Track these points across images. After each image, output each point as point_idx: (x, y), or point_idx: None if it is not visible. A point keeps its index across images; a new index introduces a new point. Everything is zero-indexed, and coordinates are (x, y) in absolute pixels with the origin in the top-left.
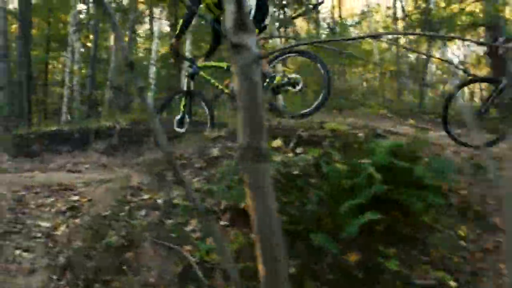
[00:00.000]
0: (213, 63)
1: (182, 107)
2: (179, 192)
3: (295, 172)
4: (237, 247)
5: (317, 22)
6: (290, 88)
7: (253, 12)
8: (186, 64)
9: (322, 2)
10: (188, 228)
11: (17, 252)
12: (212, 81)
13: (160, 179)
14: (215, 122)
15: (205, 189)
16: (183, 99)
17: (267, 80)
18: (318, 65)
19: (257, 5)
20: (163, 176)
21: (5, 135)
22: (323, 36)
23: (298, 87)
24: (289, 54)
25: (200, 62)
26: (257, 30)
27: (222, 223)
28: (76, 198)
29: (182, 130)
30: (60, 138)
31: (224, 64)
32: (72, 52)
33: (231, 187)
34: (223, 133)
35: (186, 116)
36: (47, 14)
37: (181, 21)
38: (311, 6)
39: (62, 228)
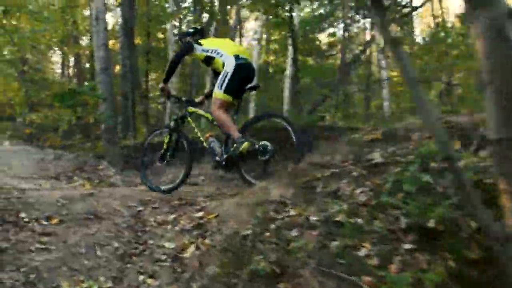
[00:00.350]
0: (201, 112)
1: (165, 143)
2: (338, 207)
3: (488, 181)
4: (438, 279)
5: (411, 28)
6: (259, 156)
7: (227, 79)
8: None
9: (422, 6)
10: (361, 252)
11: (141, 277)
12: (196, 130)
13: (309, 192)
14: (189, 176)
15: (373, 203)
16: (168, 136)
17: (235, 145)
18: (289, 129)
19: (235, 71)
20: (312, 188)
21: (110, 147)
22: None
23: (267, 155)
24: (261, 120)
25: (190, 108)
26: (231, 97)
27: (405, 246)
28: (200, 214)
29: (160, 164)
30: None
31: (210, 116)
32: None
33: (411, 200)
34: (379, 135)
35: (168, 154)
36: (146, 25)
37: (168, 66)
38: (409, 9)
39: (191, 249)
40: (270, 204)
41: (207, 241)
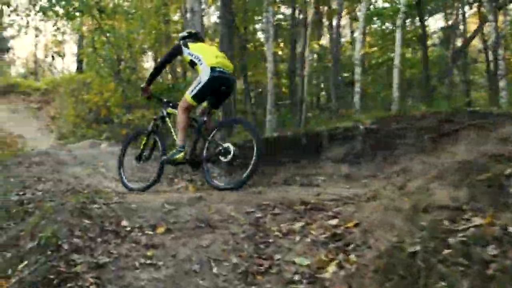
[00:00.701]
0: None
1: (142, 145)
2: None
3: None
4: None
5: None
6: (221, 158)
7: (198, 88)
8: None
9: None
10: None
11: None
12: (172, 131)
13: (496, 193)
14: (161, 178)
15: None
16: (145, 138)
17: (174, 150)
18: (250, 133)
19: (208, 82)
20: (500, 187)
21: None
22: None
23: (228, 157)
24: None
25: (169, 109)
26: (196, 103)
27: None
28: (335, 221)
29: (138, 165)
30: (282, 146)
31: None
32: (273, 55)
33: None
34: None
35: (144, 154)
36: (242, 18)
37: (154, 67)
38: None
39: (332, 268)
40: (438, 210)
41: (352, 257)
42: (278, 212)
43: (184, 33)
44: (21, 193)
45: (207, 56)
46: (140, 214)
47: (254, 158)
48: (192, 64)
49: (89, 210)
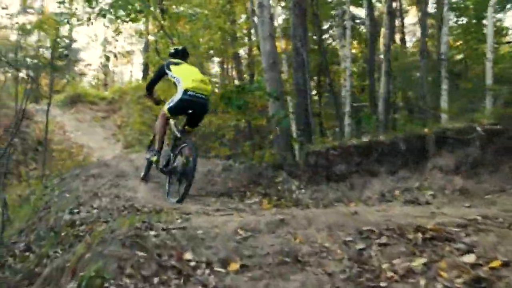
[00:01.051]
0: (172, 122)
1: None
2: None
3: None
4: None
5: None
6: (173, 173)
7: (173, 103)
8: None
9: None
10: None
11: None
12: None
13: None
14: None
15: None
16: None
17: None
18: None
19: (178, 102)
20: None
21: (288, 154)
22: None
23: (176, 176)
24: (183, 145)
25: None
26: (169, 114)
27: None
28: (471, 258)
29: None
30: (374, 152)
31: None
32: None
33: None
34: None
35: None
36: (315, 9)
37: (150, 79)
38: None
39: None
40: None
41: None
42: (386, 242)
43: (171, 51)
44: (75, 211)
45: (185, 79)
46: (208, 243)
47: (188, 176)
48: (175, 84)
49: (144, 238)
